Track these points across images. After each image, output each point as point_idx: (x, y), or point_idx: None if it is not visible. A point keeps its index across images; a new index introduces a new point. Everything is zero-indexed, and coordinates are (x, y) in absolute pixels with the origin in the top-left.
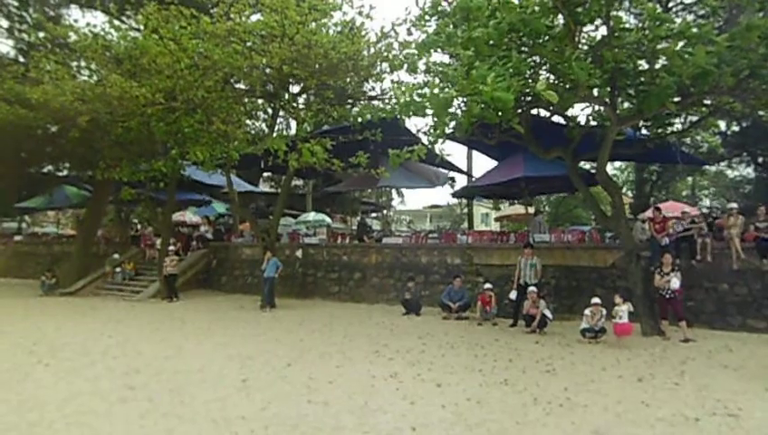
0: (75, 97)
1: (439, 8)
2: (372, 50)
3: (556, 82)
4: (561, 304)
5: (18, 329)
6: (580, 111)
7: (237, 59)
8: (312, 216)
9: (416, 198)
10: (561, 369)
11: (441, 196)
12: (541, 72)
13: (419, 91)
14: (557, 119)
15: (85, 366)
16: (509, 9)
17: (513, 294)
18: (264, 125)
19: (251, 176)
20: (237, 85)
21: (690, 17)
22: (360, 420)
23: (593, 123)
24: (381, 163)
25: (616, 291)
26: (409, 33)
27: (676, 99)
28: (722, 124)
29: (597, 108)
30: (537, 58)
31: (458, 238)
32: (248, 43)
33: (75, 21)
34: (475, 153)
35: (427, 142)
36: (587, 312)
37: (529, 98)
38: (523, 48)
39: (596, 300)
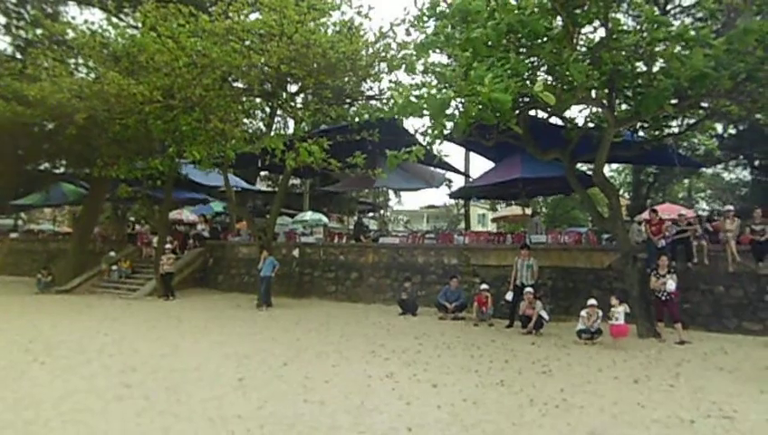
0: (72, 94)
1: (438, 9)
2: (370, 50)
3: (554, 83)
4: (558, 305)
5: (14, 327)
6: (578, 113)
7: (236, 58)
8: (308, 215)
9: (413, 199)
10: (557, 370)
11: (438, 196)
12: (539, 73)
13: (417, 92)
14: (555, 120)
15: (81, 364)
16: (508, 10)
17: (509, 295)
18: (261, 124)
19: (248, 175)
20: (235, 84)
21: (688, 20)
22: (356, 419)
23: (591, 125)
24: (379, 163)
25: (612, 292)
26: (408, 34)
27: (673, 101)
28: (719, 127)
29: (595, 109)
30: (535, 59)
31: (455, 239)
32: (246, 42)
33: (73, 18)
34: (472, 154)
35: (424, 143)
36: (583, 313)
37: (527, 99)
38: (521, 49)
39: (592, 301)
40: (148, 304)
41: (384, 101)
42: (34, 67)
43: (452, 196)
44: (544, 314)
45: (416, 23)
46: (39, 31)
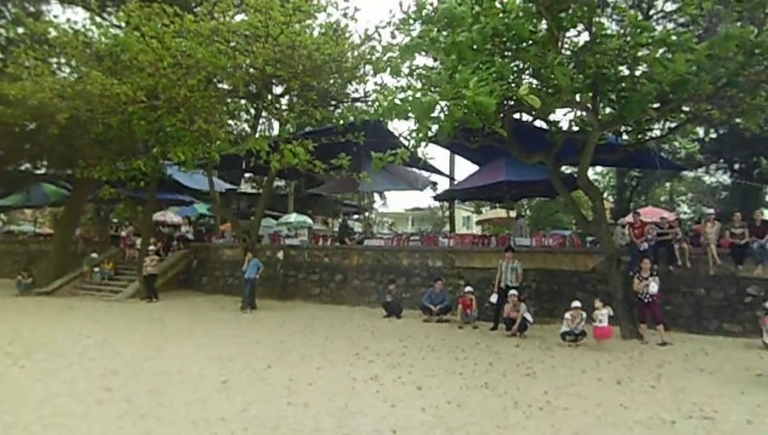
0: (54, 94)
1: (423, 12)
2: (356, 52)
3: (539, 86)
4: (542, 307)
5: None
6: (563, 116)
7: (221, 59)
8: (293, 217)
9: (398, 201)
10: (541, 372)
11: (423, 199)
12: (524, 76)
13: (402, 95)
14: (539, 123)
15: (62, 367)
16: (493, 14)
17: (493, 298)
18: (246, 126)
19: (232, 176)
20: (220, 85)
21: (670, 25)
22: (340, 422)
23: (575, 128)
24: (364, 166)
25: (596, 295)
26: (393, 37)
27: (655, 105)
28: (700, 131)
29: (579, 113)
30: (520, 63)
31: (440, 241)
32: (232, 43)
33: (55, 17)
34: (457, 157)
35: (409, 145)
36: (567, 315)
37: (512, 102)
38: (506, 53)
39: (576, 304)
40: (130, 307)
41: (369, 103)
42: (16, 66)
43: (437, 198)
44: (528, 317)
45: (401, 25)
46: (20, 30)
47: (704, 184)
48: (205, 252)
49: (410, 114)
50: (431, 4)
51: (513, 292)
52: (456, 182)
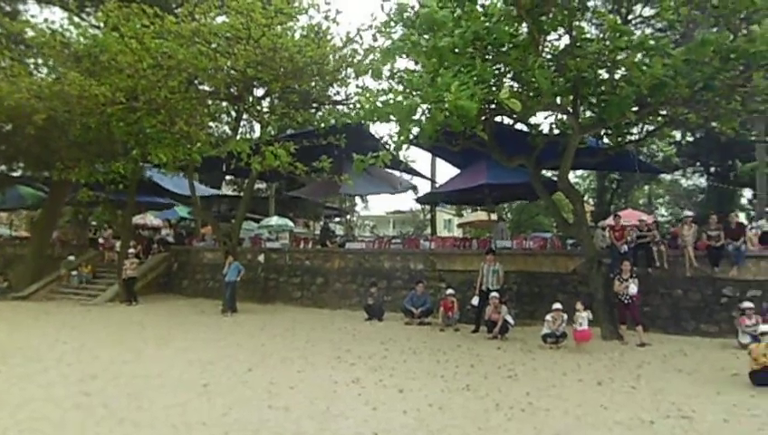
0: (32, 94)
1: (405, 15)
2: (337, 55)
3: (520, 90)
4: (523, 309)
5: None
6: (544, 120)
7: (202, 60)
8: (274, 220)
9: (379, 204)
10: (522, 374)
11: (404, 202)
12: (505, 79)
13: (384, 98)
14: (520, 126)
15: (38, 372)
16: (474, 18)
17: (475, 300)
18: (227, 128)
19: (213, 179)
20: (201, 87)
21: (648, 30)
22: (322, 425)
23: (556, 131)
24: (345, 168)
25: (577, 296)
26: (375, 39)
27: (634, 108)
28: (677, 134)
29: (560, 116)
30: (501, 66)
31: (421, 244)
32: (213, 45)
33: (33, 16)
34: (438, 159)
35: (391, 148)
36: (548, 317)
37: (493, 106)
38: (487, 56)
39: (557, 306)
40: (109, 310)
41: (351, 106)
42: None
43: (418, 201)
44: (510, 319)
45: (382, 29)
46: None
47: (681, 187)
48: (185, 255)
49: (392, 117)
50: (412, 8)
51: (494, 294)
52: (437, 185)
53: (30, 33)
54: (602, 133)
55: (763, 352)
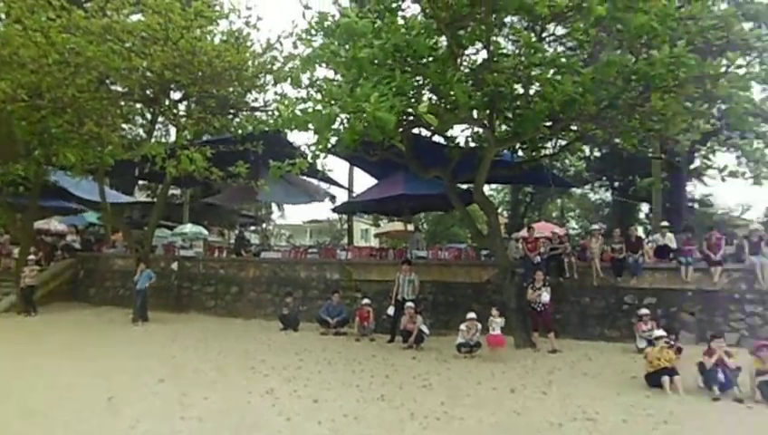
0: None
1: (326, 24)
2: (257, 61)
3: (438, 102)
4: (438, 319)
5: None
6: (460, 132)
7: (114, 59)
8: (188, 228)
9: (296, 213)
10: (437, 383)
11: (321, 211)
12: (423, 92)
13: (302, 106)
14: (437, 139)
15: None
16: (394, 30)
17: (390, 310)
18: (141, 130)
19: (125, 183)
20: (114, 87)
21: (561, 48)
22: None
23: (472, 144)
24: (262, 175)
25: (492, 305)
26: (295, 47)
27: (548, 123)
28: (586, 150)
29: (476, 129)
30: (420, 79)
31: (337, 254)
32: (127, 44)
33: None
34: (356, 169)
35: (308, 157)
36: (462, 327)
37: (411, 117)
38: (406, 68)
39: (471, 315)
40: (4, 321)
41: (269, 113)
42: None
43: (335, 210)
44: (425, 329)
45: (303, 36)
46: None
47: (589, 201)
48: (93, 262)
49: (310, 126)
50: (333, 17)
51: (409, 304)
52: (354, 195)
53: None
54: (517, 147)
55: (656, 355)
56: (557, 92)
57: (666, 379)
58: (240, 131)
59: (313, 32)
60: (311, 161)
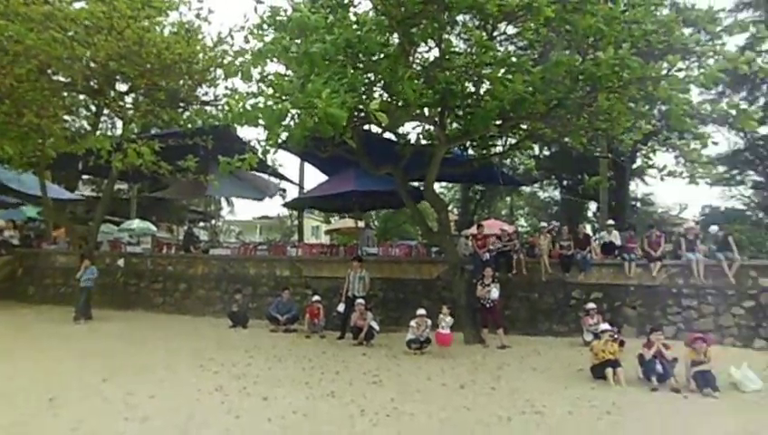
0: None
1: (277, 18)
2: (208, 54)
3: (389, 99)
4: (388, 316)
5: None
6: (412, 130)
7: (56, 48)
8: (136, 223)
9: (246, 209)
10: (387, 380)
11: (272, 207)
12: (375, 88)
13: (253, 101)
14: (389, 136)
15: None
16: (346, 26)
17: (341, 307)
18: (85, 123)
19: (69, 178)
20: (56, 77)
21: (512, 48)
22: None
23: (423, 142)
24: (212, 170)
25: (443, 302)
26: (246, 41)
27: (498, 122)
28: (536, 148)
29: (427, 127)
30: (372, 75)
31: (288, 251)
32: (70, 33)
33: None
34: (307, 165)
35: (258, 152)
36: (413, 323)
37: (362, 114)
38: (358, 65)
39: (421, 311)
40: None
41: (219, 107)
42: None
43: (286, 205)
44: (375, 325)
45: (255, 31)
46: None
47: (539, 199)
48: (33, 258)
49: (260, 121)
50: (285, 12)
51: (360, 301)
52: (305, 191)
53: None
54: (468, 145)
55: (602, 348)
56: (507, 91)
57: (609, 371)
58: (190, 125)
59: (265, 26)
60: (261, 157)
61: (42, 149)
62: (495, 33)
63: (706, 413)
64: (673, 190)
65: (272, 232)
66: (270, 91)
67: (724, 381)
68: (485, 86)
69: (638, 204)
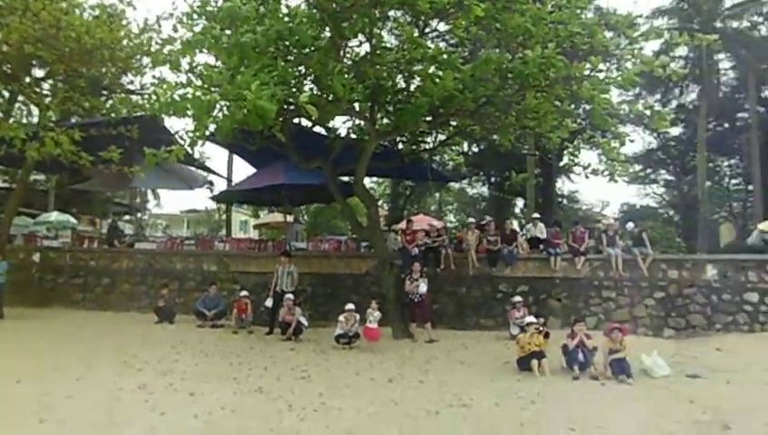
0: None
1: (208, 8)
2: (133, 41)
3: (320, 93)
4: (317, 311)
5: None
6: (342, 124)
7: None
8: (54, 216)
9: (173, 202)
10: (315, 375)
11: (200, 200)
12: (305, 82)
13: (181, 92)
14: (319, 129)
15: None
16: (277, 17)
17: (269, 302)
18: None
19: None
20: None
21: (442, 44)
22: None
23: (353, 136)
24: (137, 161)
25: (372, 297)
26: (175, 30)
27: (428, 118)
28: (465, 145)
29: (357, 122)
30: (303, 68)
31: (215, 245)
32: None
33: None
34: (236, 158)
35: (186, 143)
36: (341, 318)
37: (292, 107)
38: (289, 57)
39: (350, 306)
40: None
41: (146, 96)
42: None
43: (214, 199)
44: (303, 320)
45: (183, 19)
46: None
47: (467, 195)
48: None
49: (188, 112)
50: (215, 1)
51: (288, 296)
52: (233, 184)
53: None
54: (398, 140)
55: (527, 340)
56: (438, 88)
57: (534, 362)
58: (113, 114)
59: (195, 15)
60: (188, 149)
61: None
62: (427, 30)
63: (622, 399)
64: (596, 188)
65: (199, 226)
66: (199, 81)
67: (636, 367)
68: (416, 82)
69: (565, 201)
